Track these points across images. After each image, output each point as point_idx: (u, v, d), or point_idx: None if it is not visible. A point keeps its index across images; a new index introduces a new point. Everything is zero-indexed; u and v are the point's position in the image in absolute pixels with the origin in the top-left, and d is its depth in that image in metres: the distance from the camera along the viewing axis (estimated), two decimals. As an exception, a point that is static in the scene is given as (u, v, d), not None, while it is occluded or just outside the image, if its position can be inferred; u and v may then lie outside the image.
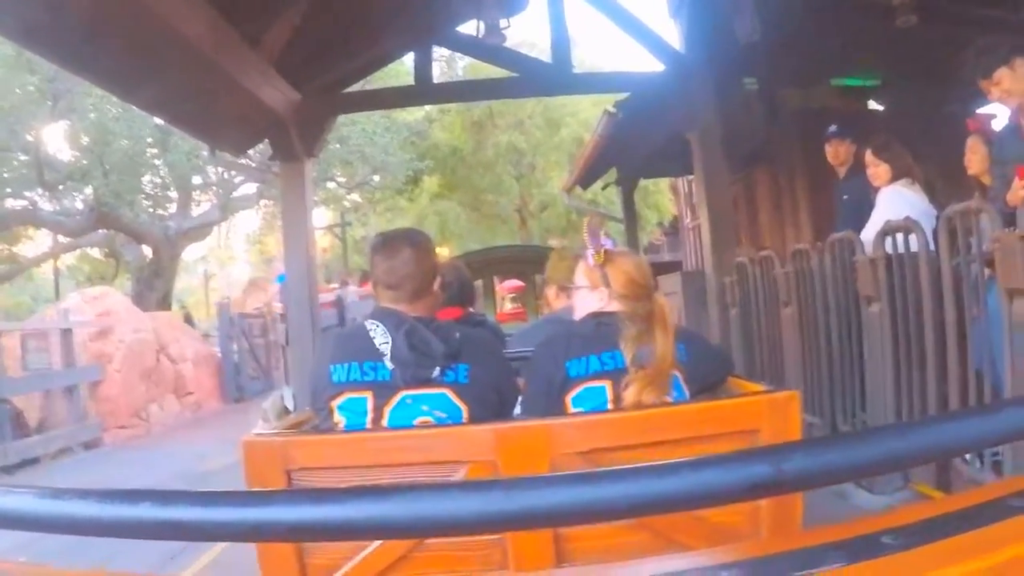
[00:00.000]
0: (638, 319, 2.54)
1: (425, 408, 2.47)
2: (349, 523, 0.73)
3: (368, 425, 2.47)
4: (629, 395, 2.45)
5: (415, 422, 2.46)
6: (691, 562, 0.92)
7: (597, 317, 2.63)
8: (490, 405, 2.57)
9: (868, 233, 5.09)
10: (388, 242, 2.76)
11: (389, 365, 2.48)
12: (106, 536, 0.83)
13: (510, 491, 0.72)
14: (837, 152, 6.58)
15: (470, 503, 0.71)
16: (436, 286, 2.76)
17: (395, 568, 2.18)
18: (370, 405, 2.48)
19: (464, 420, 2.48)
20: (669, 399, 2.50)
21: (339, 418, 2.51)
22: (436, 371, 2.48)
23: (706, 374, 2.69)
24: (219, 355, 17.29)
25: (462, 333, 2.63)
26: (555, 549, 2.16)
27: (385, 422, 2.46)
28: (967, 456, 4.23)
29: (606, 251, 2.69)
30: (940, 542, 0.85)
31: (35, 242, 28.14)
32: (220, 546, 5.82)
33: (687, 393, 2.56)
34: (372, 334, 2.52)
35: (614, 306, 2.63)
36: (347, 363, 2.52)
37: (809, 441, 0.89)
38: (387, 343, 2.49)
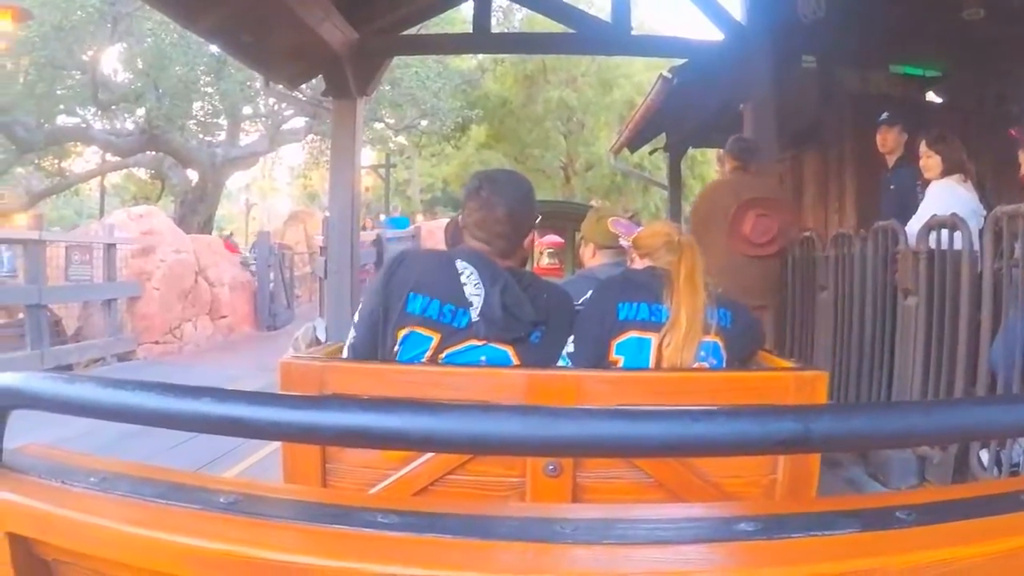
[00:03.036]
0: (669, 274, 2.56)
1: (483, 359, 2.40)
2: (397, 432, 0.78)
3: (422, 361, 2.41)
4: (668, 354, 2.45)
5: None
6: (712, 512, 0.97)
7: (651, 268, 2.65)
8: (544, 364, 2.48)
9: (913, 225, 5.04)
10: (485, 191, 2.57)
11: (475, 317, 2.39)
12: (166, 427, 0.89)
13: (555, 419, 0.76)
14: (885, 140, 6.47)
15: (515, 424, 0.75)
16: (526, 242, 2.66)
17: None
18: (433, 345, 2.39)
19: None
20: (706, 364, 2.49)
21: (396, 348, 2.42)
22: (521, 334, 2.43)
23: (744, 346, 2.68)
24: (255, 282, 17.43)
25: (549, 293, 2.58)
26: (572, 499, 2.20)
27: (440, 361, 2.40)
28: (984, 463, 4.23)
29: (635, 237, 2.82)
30: (952, 523, 0.88)
31: (84, 159, 28.49)
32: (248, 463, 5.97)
33: (724, 361, 2.54)
34: (463, 278, 2.43)
35: (647, 263, 2.71)
36: (428, 297, 2.41)
37: (838, 406, 0.93)
38: (479, 296, 2.40)
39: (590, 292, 2.76)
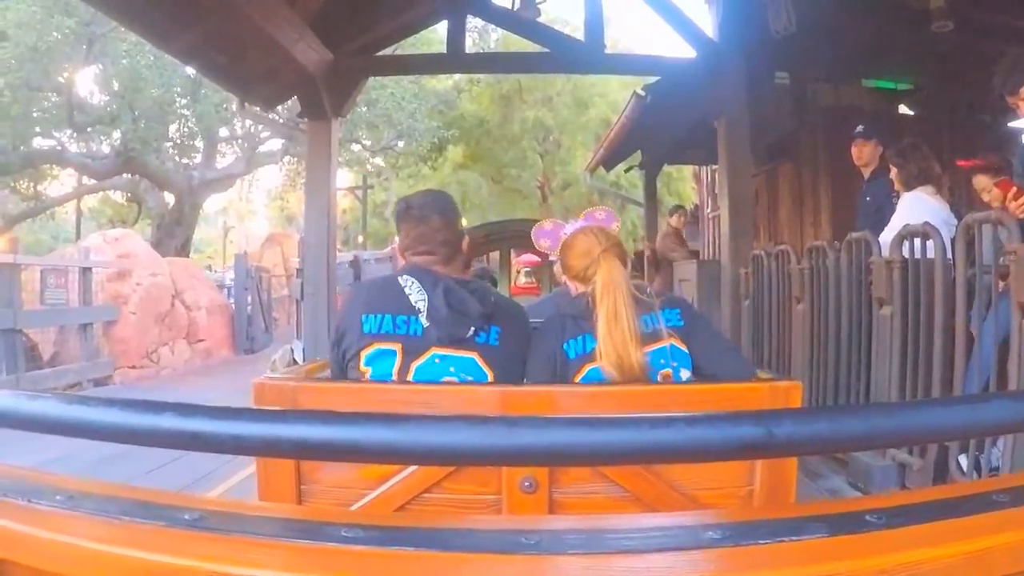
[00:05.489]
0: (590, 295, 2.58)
1: (452, 370, 2.46)
2: (357, 444, 0.77)
3: (394, 378, 2.46)
4: (611, 368, 2.46)
5: (441, 381, 2.45)
6: (679, 520, 0.96)
7: (584, 296, 2.63)
8: (514, 371, 2.56)
9: (886, 236, 5.08)
10: (415, 209, 2.74)
11: (424, 322, 2.47)
12: (128, 443, 0.88)
13: (512, 427, 0.76)
14: (861, 152, 6.54)
15: (473, 434, 0.75)
16: (463, 245, 2.78)
17: (392, 519, 2.20)
18: (398, 359, 2.46)
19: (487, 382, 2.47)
20: (669, 370, 2.50)
21: (365, 368, 2.49)
22: (471, 331, 2.48)
23: (706, 337, 2.65)
24: (233, 306, 17.35)
25: (496, 297, 2.64)
26: (549, 514, 2.19)
27: (411, 378, 2.45)
28: (964, 467, 4.25)
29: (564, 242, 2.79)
30: (922, 525, 0.88)
31: (60, 182, 28.25)
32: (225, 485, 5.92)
33: (691, 360, 2.55)
34: (407, 290, 2.52)
35: (581, 287, 2.69)
36: (380, 314, 2.51)
37: (800, 409, 0.92)
38: (423, 300, 2.48)
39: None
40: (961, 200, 6.23)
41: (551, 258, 2.90)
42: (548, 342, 2.60)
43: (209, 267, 21.21)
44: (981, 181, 5.18)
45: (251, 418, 0.83)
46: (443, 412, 2.19)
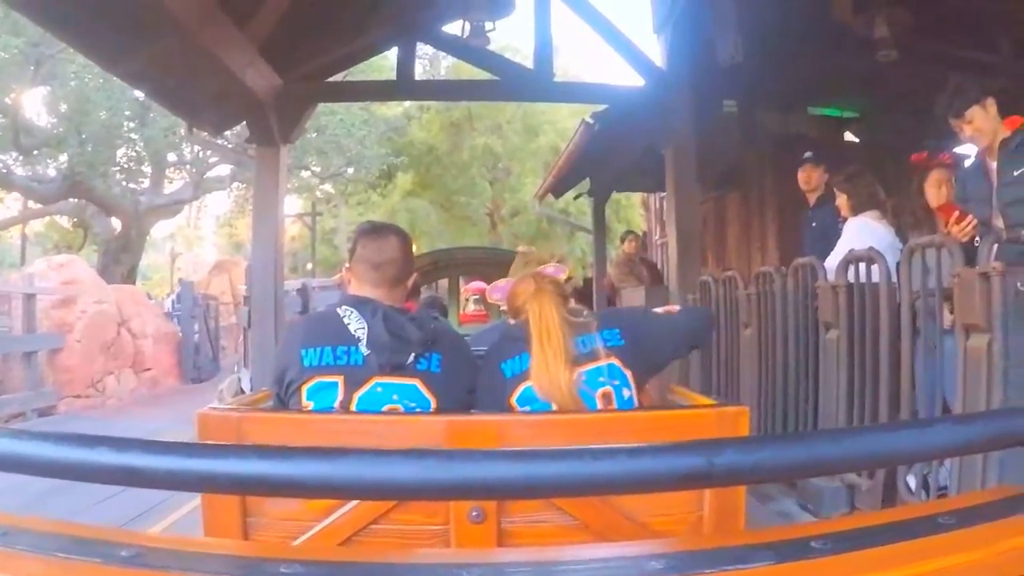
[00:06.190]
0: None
1: (395, 397, 2.47)
2: (293, 479, 0.76)
3: (336, 409, 2.46)
4: (544, 392, 2.52)
5: (384, 409, 2.45)
6: (623, 551, 0.95)
7: (523, 322, 2.70)
8: (458, 398, 2.59)
9: (832, 261, 5.14)
10: (377, 227, 2.83)
11: (364, 350, 2.48)
12: (61, 478, 0.86)
13: (449, 461, 0.75)
14: (809, 177, 6.65)
15: (409, 469, 0.73)
16: (409, 282, 2.82)
17: (338, 551, 2.18)
18: (340, 390, 2.47)
19: (432, 411, 2.48)
20: (610, 388, 2.56)
21: (307, 402, 2.49)
22: (411, 357, 2.49)
23: (648, 347, 2.72)
24: (180, 334, 17.14)
25: (436, 324, 2.66)
26: (497, 544, 2.18)
27: (354, 407, 2.45)
28: (912, 487, 4.29)
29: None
30: (867, 550, 0.88)
31: (5, 206, 27.77)
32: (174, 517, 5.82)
33: (629, 377, 2.60)
34: (346, 320, 2.52)
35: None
36: (319, 347, 2.50)
37: (743, 439, 0.92)
38: (363, 328, 2.49)
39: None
40: (906, 224, 6.32)
41: (502, 309, 3.04)
42: (489, 367, 2.69)
43: (148, 295, 20.97)
44: (937, 176, 5.28)
45: (186, 453, 0.81)
46: (388, 443, 2.20)
